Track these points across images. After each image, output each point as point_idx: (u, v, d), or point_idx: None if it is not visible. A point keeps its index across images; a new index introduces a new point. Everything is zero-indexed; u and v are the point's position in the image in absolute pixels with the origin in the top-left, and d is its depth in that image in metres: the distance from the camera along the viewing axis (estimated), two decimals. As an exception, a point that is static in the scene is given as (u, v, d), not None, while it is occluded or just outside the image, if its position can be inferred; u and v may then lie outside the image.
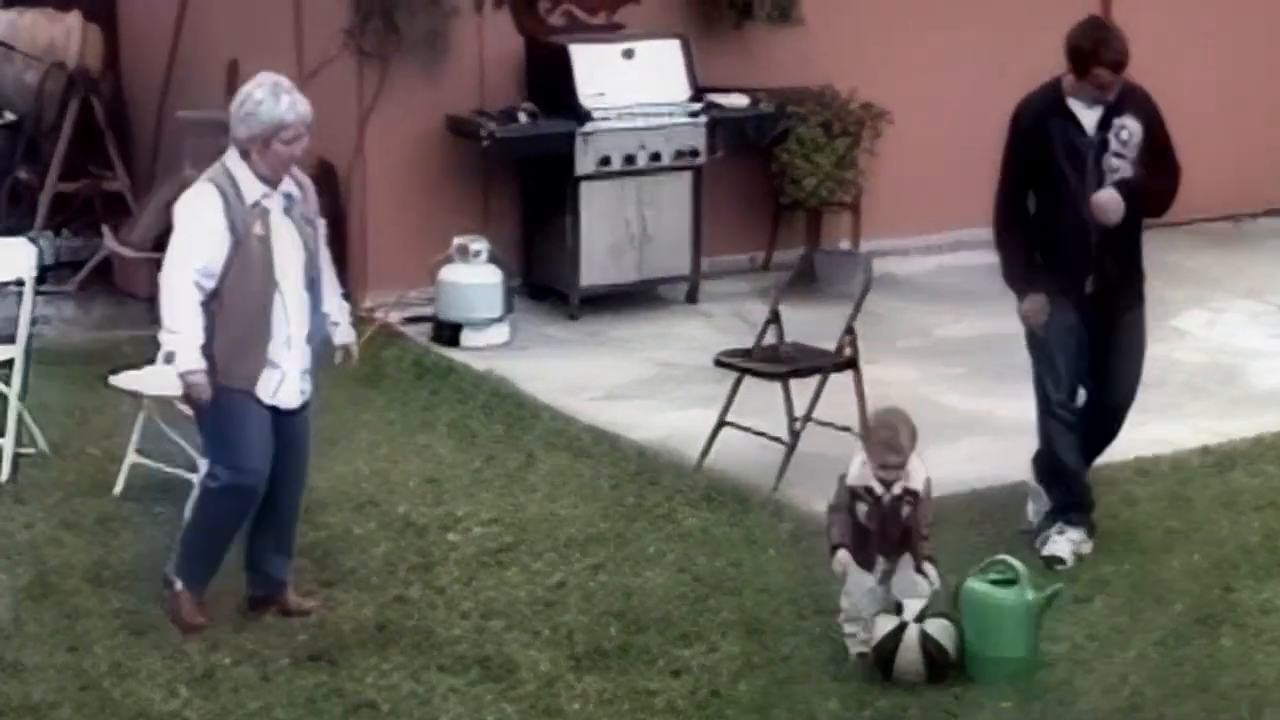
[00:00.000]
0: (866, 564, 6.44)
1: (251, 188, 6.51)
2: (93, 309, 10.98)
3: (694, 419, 8.51)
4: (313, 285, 6.65)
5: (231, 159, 6.56)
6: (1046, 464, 7.47)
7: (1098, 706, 6.24)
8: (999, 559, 6.50)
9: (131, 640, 6.65)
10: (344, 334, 6.90)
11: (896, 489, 6.45)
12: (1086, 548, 7.29)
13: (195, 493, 6.81)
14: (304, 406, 6.73)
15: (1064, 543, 7.25)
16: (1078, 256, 7.30)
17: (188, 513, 6.83)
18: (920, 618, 6.32)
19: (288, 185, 6.61)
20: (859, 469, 6.49)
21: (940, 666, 6.32)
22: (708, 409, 8.37)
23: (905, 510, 6.44)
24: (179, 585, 6.74)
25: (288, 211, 6.59)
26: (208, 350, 6.51)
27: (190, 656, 6.51)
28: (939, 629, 6.35)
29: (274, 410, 6.63)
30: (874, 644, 6.35)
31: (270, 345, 6.56)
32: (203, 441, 6.86)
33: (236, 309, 6.50)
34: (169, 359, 6.55)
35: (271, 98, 6.48)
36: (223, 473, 6.61)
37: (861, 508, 6.44)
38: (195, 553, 6.76)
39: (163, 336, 6.55)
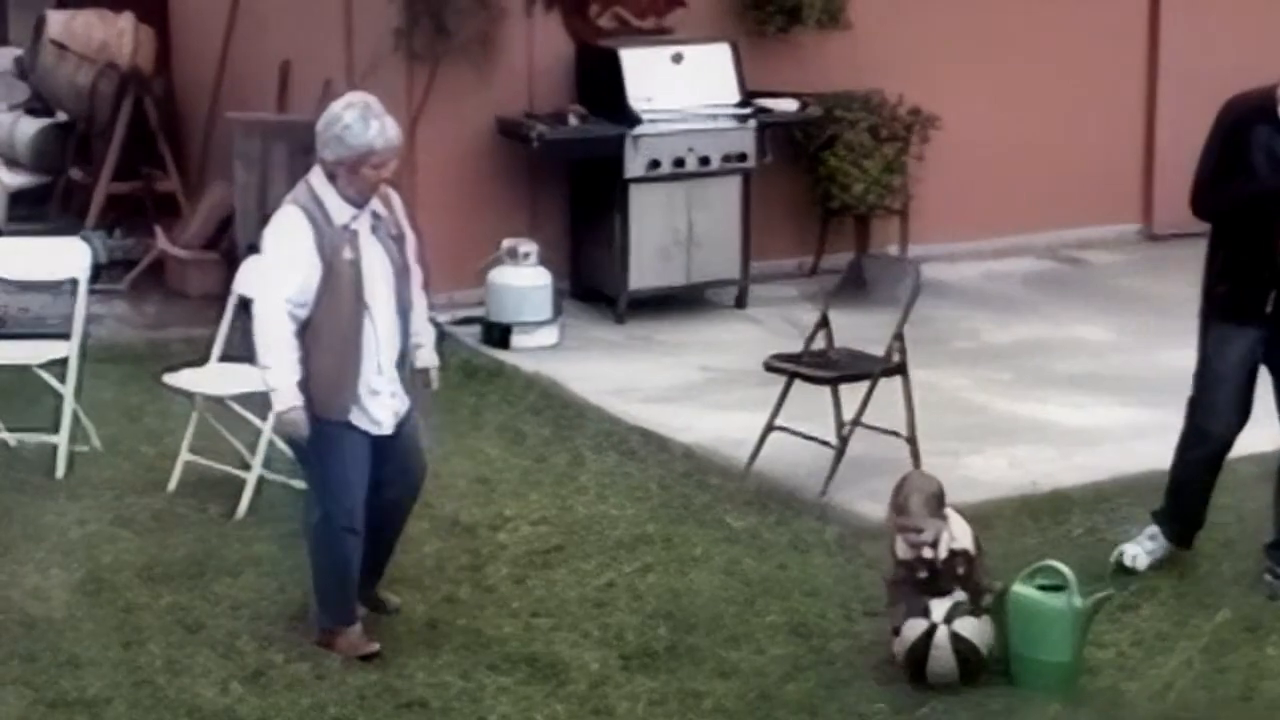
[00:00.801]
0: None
1: (339, 210, 6.36)
2: (144, 308, 11.06)
3: (742, 422, 8.54)
4: (403, 307, 6.48)
5: (317, 180, 6.40)
6: (1171, 482, 7.34)
7: (1143, 712, 6.26)
8: (1047, 564, 6.52)
9: (185, 637, 6.71)
10: (426, 357, 6.70)
11: (942, 550, 6.41)
12: (1143, 562, 7.23)
13: (308, 537, 6.62)
14: (403, 424, 6.56)
15: (1141, 551, 7.22)
16: (1262, 272, 6.96)
17: (309, 559, 6.65)
18: (949, 618, 6.34)
19: (374, 203, 6.47)
20: (902, 544, 6.50)
21: (973, 665, 6.34)
22: (755, 413, 8.40)
23: (960, 569, 6.42)
24: (331, 634, 6.56)
25: (375, 231, 6.43)
26: (303, 383, 6.33)
27: (243, 654, 6.58)
28: (969, 627, 6.37)
29: (374, 436, 6.51)
30: (906, 647, 6.37)
31: (363, 372, 6.40)
32: (306, 479, 6.72)
33: (328, 337, 6.33)
34: (278, 402, 6.36)
35: (361, 122, 6.32)
36: (325, 512, 6.47)
37: (923, 575, 6.42)
38: (331, 594, 6.57)
39: (262, 374, 6.40)
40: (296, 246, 6.30)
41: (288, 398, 6.31)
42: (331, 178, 6.36)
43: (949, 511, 6.53)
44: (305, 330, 6.33)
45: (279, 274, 6.35)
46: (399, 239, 6.53)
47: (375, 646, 6.51)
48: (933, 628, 6.33)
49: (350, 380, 6.37)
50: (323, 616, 6.60)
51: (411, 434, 6.64)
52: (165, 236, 11.47)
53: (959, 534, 6.47)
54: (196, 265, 11.25)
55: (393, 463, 6.54)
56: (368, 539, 6.55)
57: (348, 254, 6.32)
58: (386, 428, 6.49)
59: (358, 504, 6.44)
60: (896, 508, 6.49)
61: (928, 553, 6.39)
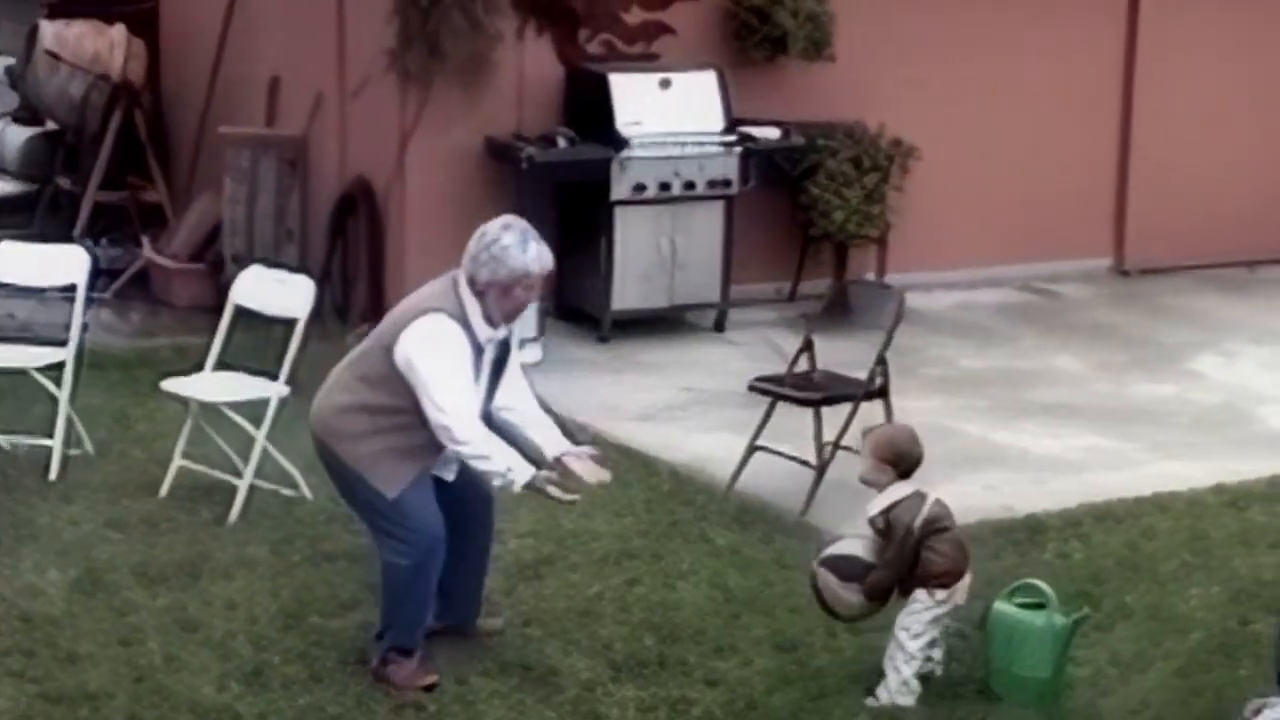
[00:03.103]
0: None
1: (481, 329, 6.40)
2: (129, 317, 11.18)
3: (724, 443, 8.71)
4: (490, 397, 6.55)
5: (465, 293, 6.38)
6: None
7: (1120, 729, 6.44)
8: (1028, 582, 6.69)
9: (182, 635, 6.83)
10: (557, 443, 6.57)
11: (870, 509, 6.55)
12: None
13: (384, 573, 6.55)
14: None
15: None
16: None
17: (383, 595, 6.60)
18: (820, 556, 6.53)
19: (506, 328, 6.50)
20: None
21: (828, 609, 6.53)
22: (737, 433, 8.57)
23: (880, 528, 6.52)
24: (390, 667, 6.53)
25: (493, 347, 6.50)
26: (377, 454, 6.38)
27: (240, 654, 6.70)
28: (840, 548, 6.52)
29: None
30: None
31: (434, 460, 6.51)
32: (380, 527, 6.58)
33: (419, 430, 6.38)
34: (509, 484, 6.34)
35: (519, 245, 6.36)
36: (402, 548, 6.44)
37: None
38: (403, 625, 6.54)
39: (485, 468, 6.35)
40: (461, 358, 6.32)
41: (525, 471, 6.31)
42: (480, 295, 6.37)
43: (904, 485, 6.53)
44: (398, 413, 6.36)
45: (456, 380, 6.31)
46: (505, 342, 6.57)
47: (434, 678, 6.52)
48: (813, 574, 6.53)
49: (424, 464, 6.45)
50: (391, 644, 6.54)
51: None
52: (151, 246, 11.60)
53: (888, 500, 6.48)
54: (182, 275, 11.37)
55: (457, 495, 6.60)
56: (454, 564, 6.58)
57: (473, 368, 6.41)
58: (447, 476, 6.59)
59: (437, 530, 6.44)
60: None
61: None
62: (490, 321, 6.41)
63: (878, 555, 6.50)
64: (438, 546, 6.46)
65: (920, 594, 6.49)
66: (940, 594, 6.48)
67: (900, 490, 6.52)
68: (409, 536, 6.41)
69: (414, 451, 6.42)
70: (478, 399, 6.44)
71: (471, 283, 6.38)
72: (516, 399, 6.63)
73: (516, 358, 6.67)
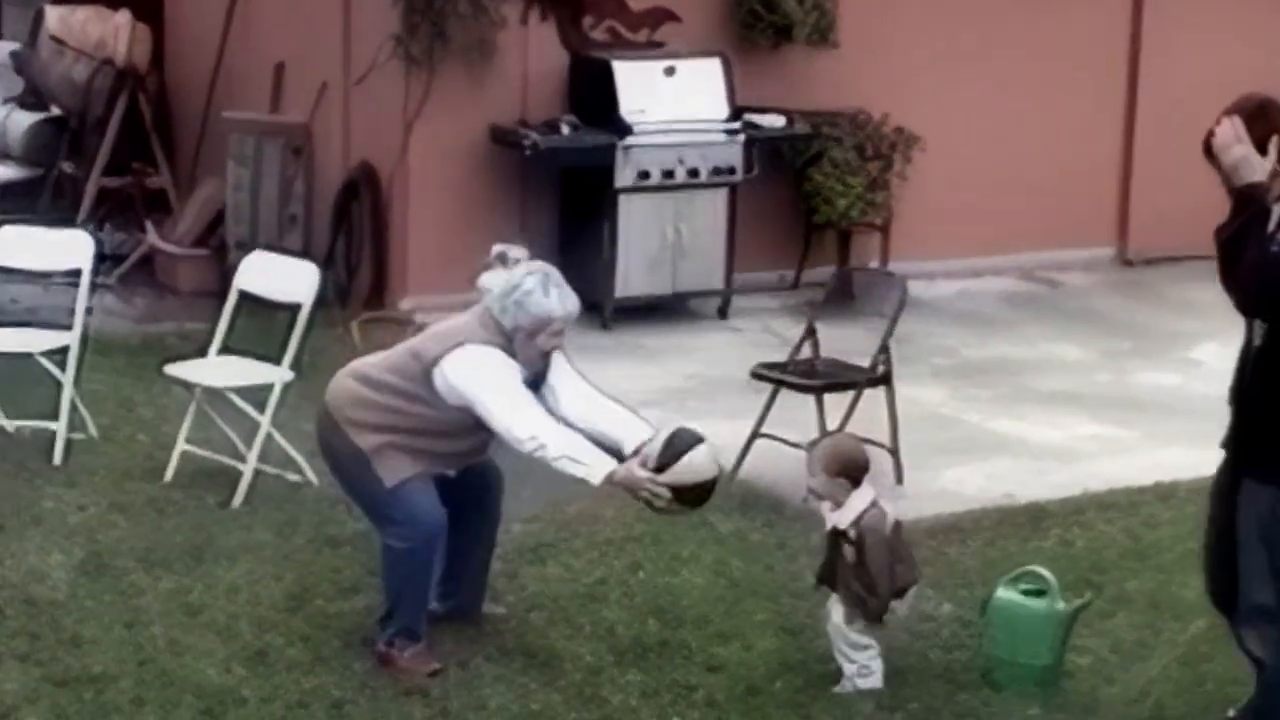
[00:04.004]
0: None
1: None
2: (134, 302, 11.20)
3: (727, 429, 8.65)
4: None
5: (501, 338, 6.41)
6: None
7: (1121, 717, 6.45)
8: (1030, 569, 6.70)
9: (186, 619, 6.85)
10: (636, 432, 6.47)
11: (829, 523, 6.51)
12: None
13: (384, 558, 6.58)
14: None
15: None
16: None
17: (385, 580, 6.61)
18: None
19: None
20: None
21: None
22: (739, 420, 8.58)
23: (847, 552, 6.43)
24: (395, 652, 6.53)
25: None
26: (386, 445, 6.39)
27: (244, 637, 6.72)
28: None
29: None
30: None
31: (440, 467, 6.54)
32: (375, 511, 6.61)
33: (435, 441, 6.45)
34: (594, 478, 6.29)
35: (541, 289, 6.39)
36: (402, 533, 6.45)
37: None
38: (406, 610, 6.55)
39: (573, 470, 6.29)
40: (509, 374, 6.37)
41: (604, 465, 6.28)
42: (508, 340, 6.41)
43: (863, 493, 6.47)
44: (416, 416, 6.40)
45: (516, 402, 6.34)
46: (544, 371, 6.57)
47: (436, 665, 6.52)
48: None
49: (429, 468, 6.48)
50: (396, 630, 6.55)
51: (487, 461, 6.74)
52: (155, 232, 11.61)
53: (853, 511, 6.43)
54: (187, 261, 11.39)
55: (465, 481, 6.63)
56: (458, 550, 6.63)
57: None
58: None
59: (438, 518, 6.47)
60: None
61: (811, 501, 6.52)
62: (520, 364, 6.43)
63: (849, 570, 6.43)
64: (436, 534, 6.48)
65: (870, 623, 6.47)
66: (899, 606, 6.49)
67: (861, 499, 6.47)
68: (407, 522, 6.43)
69: (423, 455, 6.45)
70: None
71: (500, 330, 6.41)
72: (585, 406, 6.58)
73: (565, 368, 6.62)
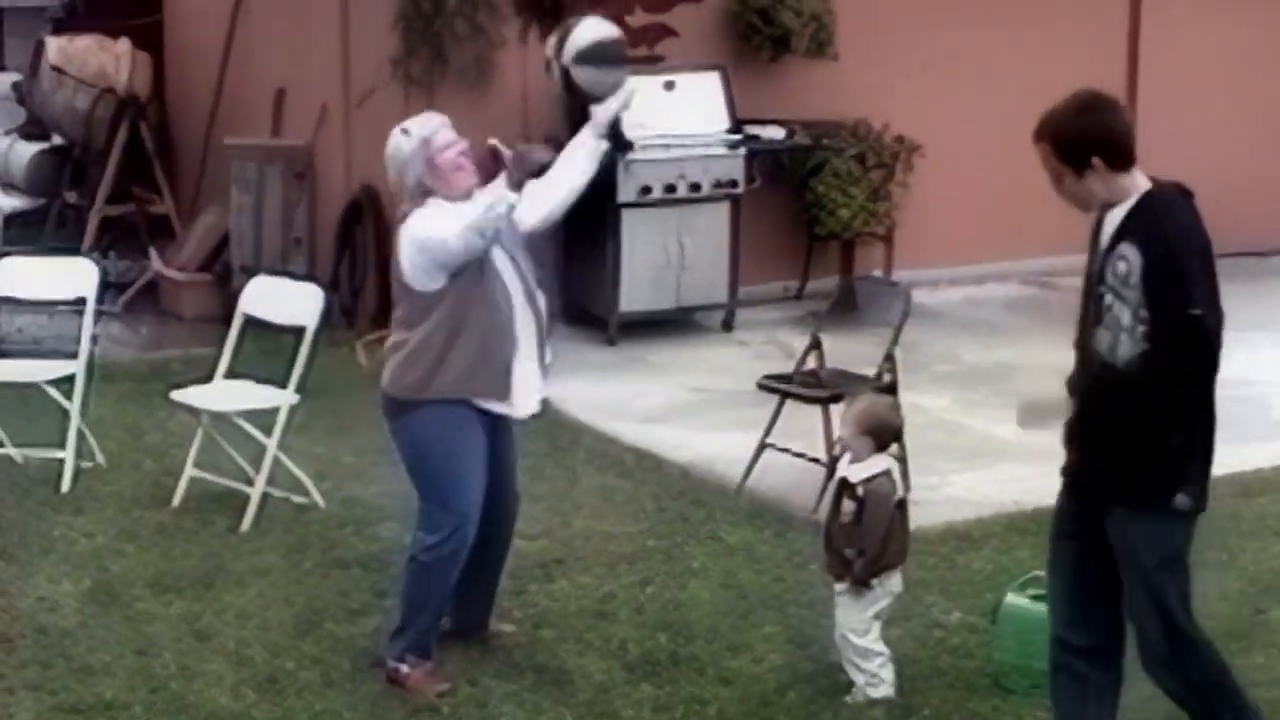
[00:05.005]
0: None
1: (469, 210, 6.41)
2: (139, 329, 11.23)
3: (734, 441, 8.72)
4: (532, 296, 6.59)
5: (427, 208, 6.44)
6: None
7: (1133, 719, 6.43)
8: (1038, 574, 6.68)
9: (196, 645, 6.85)
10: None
11: (839, 473, 6.54)
12: None
13: (408, 569, 6.58)
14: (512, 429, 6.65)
15: None
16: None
17: (405, 593, 6.59)
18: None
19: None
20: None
21: None
22: (746, 432, 8.58)
23: (846, 507, 6.48)
24: (406, 669, 6.51)
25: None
26: (437, 364, 6.38)
27: (254, 662, 6.72)
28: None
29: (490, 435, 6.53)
30: None
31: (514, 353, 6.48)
32: (419, 489, 6.59)
33: (472, 317, 6.40)
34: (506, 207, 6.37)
35: (403, 136, 6.56)
36: (442, 522, 6.45)
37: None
38: (420, 625, 6.54)
39: (494, 212, 6.30)
40: (445, 218, 6.40)
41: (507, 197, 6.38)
42: (427, 194, 6.46)
43: (882, 459, 6.51)
44: (429, 334, 6.40)
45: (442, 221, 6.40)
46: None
47: (446, 684, 6.50)
48: None
49: (500, 362, 6.46)
50: (407, 646, 6.54)
51: (510, 449, 6.75)
52: (159, 259, 11.64)
53: (869, 470, 6.46)
54: (191, 287, 11.42)
55: (495, 478, 6.61)
56: (470, 570, 6.60)
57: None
58: (528, 409, 6.57)
59: (476, 510, 6.49)
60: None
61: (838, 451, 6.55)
62: (453, 200, 6.43)
63: (847, 532, 6.45)
64: (466, 527, 6.46)
65: (856, 589, 6.46)
66: (891, 581, 6.47)
67: (879, 463, 6.52)
68: (450, 508, 6.42)
69: (452, 367, 6.39)
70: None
71: (416, 195, 6.47)
72: (540, 184, 6.70)
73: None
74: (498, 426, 6.59)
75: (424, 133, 6.58)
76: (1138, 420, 5.40)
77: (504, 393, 6.48)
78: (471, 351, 6.41)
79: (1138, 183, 5.55)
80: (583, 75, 6.73)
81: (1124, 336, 5.45)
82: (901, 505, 6.54)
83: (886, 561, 6.45)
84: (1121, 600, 5.64)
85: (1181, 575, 5.65)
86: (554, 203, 6.72)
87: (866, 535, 6.41)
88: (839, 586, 6.50)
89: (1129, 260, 5.43)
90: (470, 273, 6.39)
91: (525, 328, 6.54)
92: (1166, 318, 5.32)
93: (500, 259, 6.51)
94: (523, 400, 6.56)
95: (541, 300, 6.66)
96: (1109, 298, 5.50)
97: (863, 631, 6.47)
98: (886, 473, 6.51)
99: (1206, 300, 5.32)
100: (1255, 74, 12.61)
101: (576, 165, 6.77)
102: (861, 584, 6.42)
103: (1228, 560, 7.67)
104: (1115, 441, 5.48)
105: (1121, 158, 5.53)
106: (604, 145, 6.73)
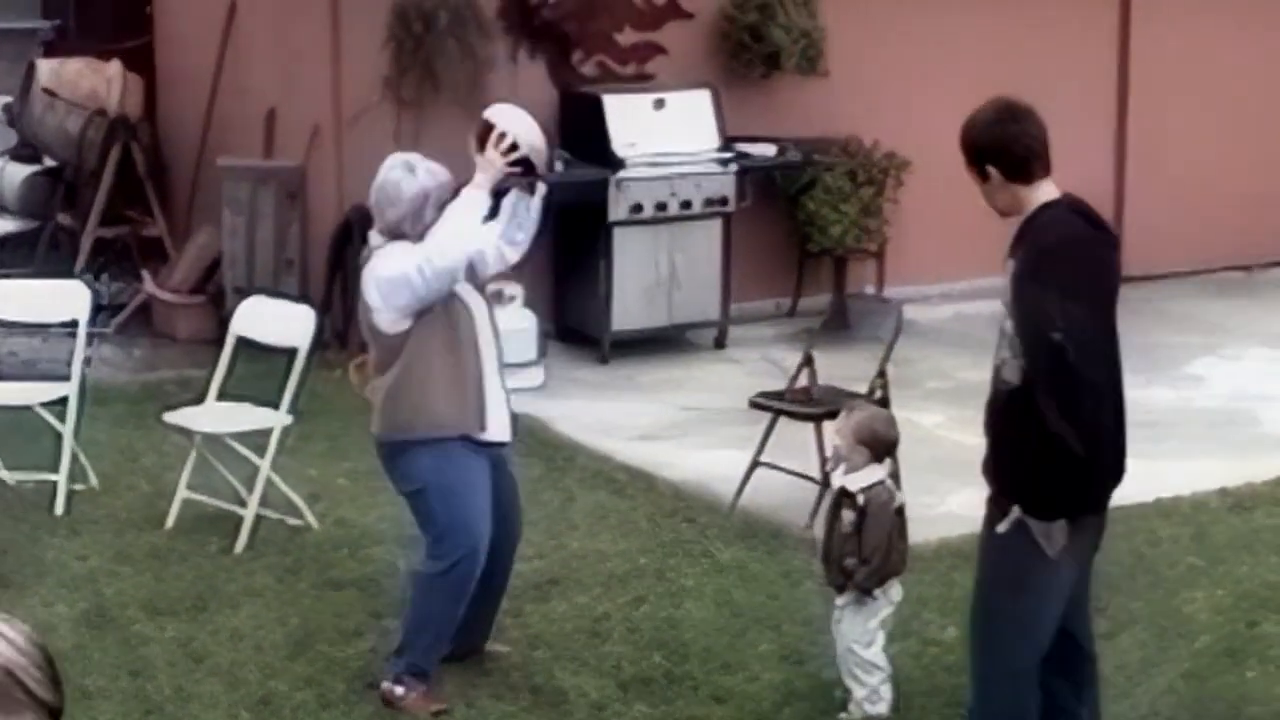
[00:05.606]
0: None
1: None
2: (132, 351, 11.22)
3: (726, 459, 8.73)
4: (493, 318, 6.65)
5: (396, 246, 6.41)
6: None
7: (1130, 734, 6.45)
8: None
9: (191, 667, 6.85)
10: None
11: (837, 483, 6.55)
12: None
13: (416, 585, 6.61)
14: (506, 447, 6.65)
15: None
16: None
17: (411, 610, 6.60)
18: None
19: None
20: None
21: None
22: (739, 450, 8.59)
23: (845, 516, 6.48)
24: (402, 689, 6.49)
25: None
26: (419, 401, 6.39)
27: (248, 683, 6.72)
28: None
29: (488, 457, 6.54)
30: None
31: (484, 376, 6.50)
32: (423, 525, 6.59)
33: (440, 349, 6.41)
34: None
35: (406, 172, 6.46)
36: (449, 550, 6.45)
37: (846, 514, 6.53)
38: (423, 645, 6.53)
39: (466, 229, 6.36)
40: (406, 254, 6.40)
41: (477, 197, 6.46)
42: (401, 236, 6.41)
43: (878, 469, 6.53)
44: (408, 367, 6.40)
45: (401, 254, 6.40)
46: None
47: (442, 705, 6.49)
48: None
49: (474, 386, 6.47)
50: (408, 665, 6.51)
51: (509, 483, 6.77)
52: (152, 280, 11.64)
53: (867, 479, 6.47)
54: (184, 309, 11.41)
55: (498, 492, 6.62)
56: (477, 595, 6.58)
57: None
58: (504, 435, 6.58)
59: (486, 528, 6.48)
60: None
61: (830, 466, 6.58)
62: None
63: (849, 541, 6.45)
64: (475, 556, 6.44)
65: (858, 599, 6.46)
66: (892, 590, 6.48)
67: (876, 473, 6.53)
68: (457, 542, 6.41)
69: (445, 396, 6.41)
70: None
71: (389, 230, 6.42)
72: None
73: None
74: (495, 460, 6.59)
75: (429, 185, 6.48)
76: (1016, 437, 5.30)
77: (482, 421, 6.49)
78: (446, 384, 6.41)
79: (1037, 196, 5.40)
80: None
81: (1009, 356, 5.36)
82: (900, 513, 6.55)
83: (888, 569, 6.46)
84: (1076, 616, 5.54)
85: (1024, 605, 5.35)
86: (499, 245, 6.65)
87: (868, 543, 6.42)
88: (840, 600, 6.50)
89: (1009, 275, 5.35)
90: (434, 308, 6.39)
91: (488, 350, 6.56)
92: (1026, 332, 5.22)
93: (462, 287, 6.50)
94: (497, 426, 6.57)
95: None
96: (1004, 315, 5.39)
97: (867, 643, 6.47)
98: (884, 482, 6.52)
99: (1061, 315, 5.19)
100: (1246, 91, 12.63)
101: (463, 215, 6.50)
102: (864, 593, 6.43)
103: (1220, 575, 7.67)
104: (996, 456, 5.43)
105: (1016, 169, 5.38)
106: (486, 201, 6.54)
